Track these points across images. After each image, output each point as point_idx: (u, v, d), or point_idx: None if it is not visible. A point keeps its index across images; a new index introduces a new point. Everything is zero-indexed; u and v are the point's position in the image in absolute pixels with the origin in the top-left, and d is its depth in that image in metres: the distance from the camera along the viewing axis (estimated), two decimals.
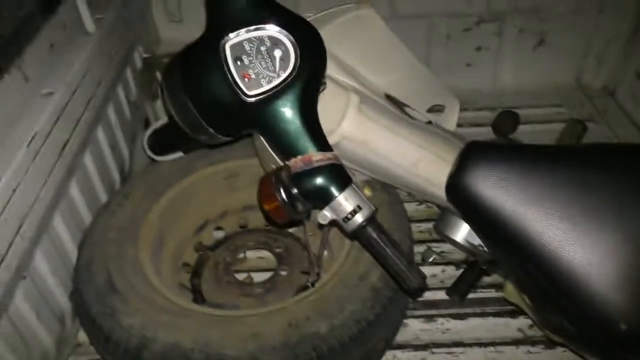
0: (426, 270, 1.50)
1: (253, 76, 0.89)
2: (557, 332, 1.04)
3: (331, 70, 1.20)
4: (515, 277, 1.07)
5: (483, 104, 2.13)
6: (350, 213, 0.87)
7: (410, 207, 1.65)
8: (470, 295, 1.41)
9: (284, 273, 1.44)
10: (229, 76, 0.89)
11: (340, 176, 0.90)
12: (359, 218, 0.87)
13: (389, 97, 1.38)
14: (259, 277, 1.47)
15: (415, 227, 1.60)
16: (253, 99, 0.90)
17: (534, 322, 1.24)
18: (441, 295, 1.43)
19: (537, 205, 0.91)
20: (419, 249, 1.55)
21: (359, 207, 0.87)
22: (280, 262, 1.46)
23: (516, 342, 1.33)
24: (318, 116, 0.94)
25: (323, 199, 0.88)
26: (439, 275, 1.51)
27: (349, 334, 1.08)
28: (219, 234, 1.58)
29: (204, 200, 1.51)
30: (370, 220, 0.88)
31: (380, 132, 1.19)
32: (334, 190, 0.88)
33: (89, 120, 1.36)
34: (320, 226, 0.92)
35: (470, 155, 1.03)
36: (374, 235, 0.87)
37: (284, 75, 0.90)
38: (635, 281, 0.83)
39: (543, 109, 2.13)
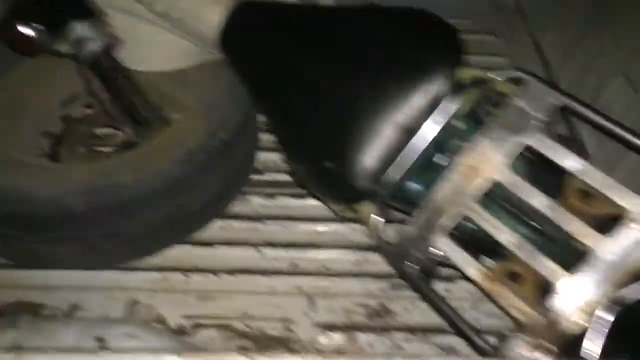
0: (278, 155, 1.58)
1: None
2: (303, 182, 1.12)
3: None
4: (279, 130, 1.12)
5: None
6: (84, 42, 0.91)
7: None
8: None
9: (140, 144, 1.50)
10: None
11: (78, 7, 0.93)
12: (92, 47, 0.92)
13: None
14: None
15: None
16: None
17: (293, 179, 1.35)
18: (287, 177, 1.51)
19: (299, 61, 0.95)
20: None
21: (94, 38, 0.92)
22: (139, 135, 1.53)
23: (343, 220, 1.41)
24: None
25: (59, 27, 0.92)
26: None
27: (153, 187, 1.16)
28: (89, 111, 1.63)
29: (71, 73, 1.55)
30: (105, 52, 0.93)
31: None
32: (70, 20, 0.92)
33: None
34: (60, 54, 0.96)
35: (242, 12, 1.06)
36: (108, 65, 0.92)
37: None
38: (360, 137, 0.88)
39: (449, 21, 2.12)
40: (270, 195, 1.47)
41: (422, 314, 1.24)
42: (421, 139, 0.85)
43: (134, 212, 1.17)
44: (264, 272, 1.32)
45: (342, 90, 0.90)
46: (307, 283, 1.30)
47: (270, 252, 1.36)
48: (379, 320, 1.24)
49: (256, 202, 1.46)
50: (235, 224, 1.41)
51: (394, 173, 0.85)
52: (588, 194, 0.79)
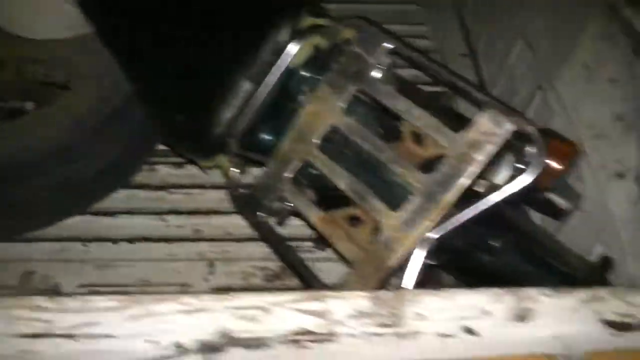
0: None
1: None
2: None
3: None
4: (136, 89, 1.10)
5: None
6: None
7: None
8: None
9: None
10: None
11: None
12: None
13: None
14: None
15: None
16: None
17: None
18: None
19: (151, 16, 0.95)
20: None
21: None
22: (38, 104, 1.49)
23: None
24: None
25: None
26: None
27: (39, 154, 1.15)
28: None
29: None
30: None
31: None
32: None
33: None
34: None
35: None
36: None
37: None
38: None
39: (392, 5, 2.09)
40: (179, 165, 1.46)
41: (320, 274, 1.26)
42: (264, 88, 0.85)
43: (21, 180, 1.15)
44: (166, 240, 1.32)
45: (192, 44, 0.90)
46: (208, 249, 1.31)
47: (174, 219, 1.36)
48: (277, 282, 1.26)
49: (164, 172, 1.45)
50: (141, 193, 1.40)
51: (241, 122, 0.86)
52: (420, 136, 0.81)
